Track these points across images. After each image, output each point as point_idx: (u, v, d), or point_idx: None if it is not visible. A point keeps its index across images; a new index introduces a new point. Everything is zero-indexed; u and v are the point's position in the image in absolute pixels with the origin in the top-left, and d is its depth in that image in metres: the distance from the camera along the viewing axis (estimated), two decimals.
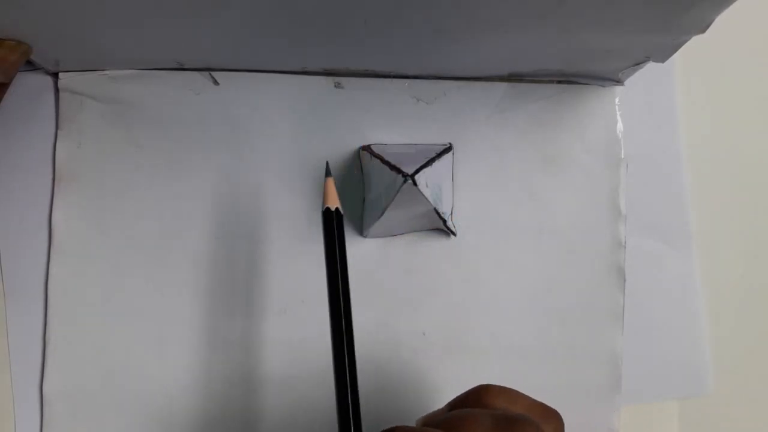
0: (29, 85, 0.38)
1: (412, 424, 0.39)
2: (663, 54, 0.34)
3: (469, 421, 0.26)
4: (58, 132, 0.38)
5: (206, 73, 0.38)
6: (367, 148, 0.38)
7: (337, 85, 0.39)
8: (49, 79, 0.38)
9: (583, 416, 0.40)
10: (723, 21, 0.29)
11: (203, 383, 0.38)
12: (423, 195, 0.35)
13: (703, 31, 0.30)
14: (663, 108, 0.42)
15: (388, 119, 0.39)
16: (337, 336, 0.30)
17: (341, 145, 0.39)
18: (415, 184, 0.34)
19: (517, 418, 0.26)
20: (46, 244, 0.37)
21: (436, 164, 0.36)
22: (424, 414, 0.30)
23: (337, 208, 0.32)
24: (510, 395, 0.28)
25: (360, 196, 0.39)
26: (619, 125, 0.41)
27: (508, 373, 0.39)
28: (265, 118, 0.39)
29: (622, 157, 0.41)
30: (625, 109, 0.41)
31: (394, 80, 0.39)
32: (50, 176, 0.38)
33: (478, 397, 0.28)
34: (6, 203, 0.37)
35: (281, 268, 0.38)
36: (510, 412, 0.27)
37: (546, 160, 0.40)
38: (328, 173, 0.33)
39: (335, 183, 0.39)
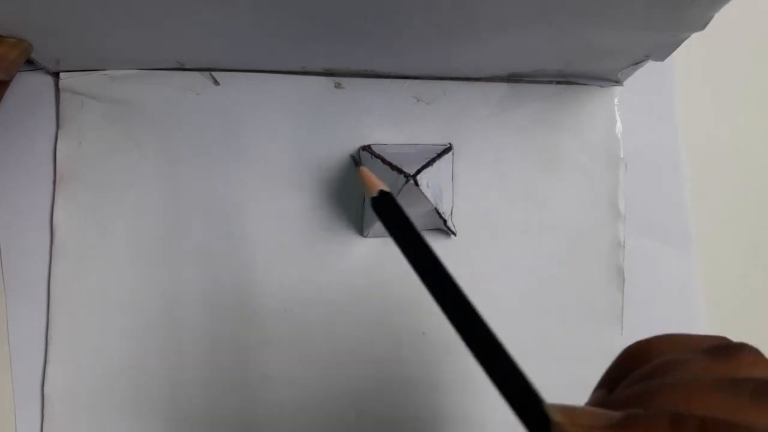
0: (30, 84, 0.38)
1: (412, 424, 0.39)
2: (662, 52, 0.34)
3: (675, 365, 0.21)
4: (59, 131, 0.38)
5: (207, 73, 0.38)
6: (367, 148, 0.38)
7: (337, 85, 0.39)
8: (49, 79, 0.38)
9: None
10: (722, 19, 0.29)
11: (204, 383, 0.38)
12: (424, 195, 0.35)
13: (702, 28, 0.30)
14: (663, 108, 0.42)
15: (388, 119, 0.39)
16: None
17: (341, 145, 0.39)
18: (416, 184, 0.34)
19: (733, 343, 0.22)
20: (47, 244, 0.37)
21: (437, 164, 0.36)
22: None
23: (381, 191, 0.27)
24: (678, 339, 0.23)
25: (360, 196, 0.39)
26: (618, 125, 0.41)
27: None
28: (265, 118, 0.39)
29: (622, 157, 0.41)
30: (624, 109, 0.41)
31: (394, 80, 0.39)
32: (51, 176, 0.38)
33: (636, 359, 0.23)
34: (7, 202, 0.38)
35: (282, 267, 0.38)
36: (695, 347, 0.22)
37: (545, 161, 0.40)
38: (357, 162, 0.29)
39: (335, 183, 0.39)
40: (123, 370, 0.37)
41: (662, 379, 0.21)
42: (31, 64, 0.37)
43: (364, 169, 0.28)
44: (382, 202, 0.26)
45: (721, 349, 0.21)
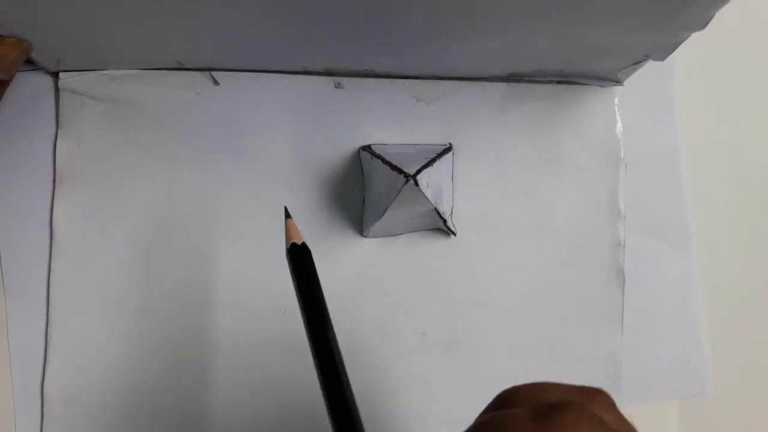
0: (30, 84, 0.38)
1: (412, 424, 0.39)
2: (662, 52, 0.34)
3: (501, 420, 0.22)
4: (59, 131, 0.38)
5: (206, 73, 0.38)
6: (367, 148, 0.38)
7: (337, 85, 0.39)
8: (49, 79, 0.38)
9: None
10: (722, 19, 0.29)
11: (203, 383, 0.38)
12: (424, 195, 0.35)
13: (702, 27, 0.30)
14: (663, 108, 0.42)
15: (388, 119, 0.39)
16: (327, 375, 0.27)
17: (341, 145, 0.39)
18: (416, 184, 0.34)
19: (557, 403, 0.22)
20: (47, 244, 0.37)
21: (437, 164, 0.36)
22: None
23: (303, 243, 0.30)
24: (539, 389, 0.25)
25: (360, 196, 0.39)
26: (619, 125, 0.41)
27: (507, 373, 0.39)
28: (265, 118, 0.39)
29: (622, 157, 0.41)
30: (624, 109, 0.41)
31: (394, 80, 0.39)
32: (51, 175, 0.38)
33: (504, 404, 0.25)
34: (7, 202, 0.38)
35: (282, 267, 0.38)
36: (548, 399, 0.23)
37: (546, 160, 0.40)
38: (288, 216, 0.31)
39: (335, 183, 0.39)
40: (123, 370, 0.37)
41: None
42: (31, 64, 0.37)
43: (291, 222, 0.30)
44: (297, 253, 0.29)
45: (544, 407, 0.21)
